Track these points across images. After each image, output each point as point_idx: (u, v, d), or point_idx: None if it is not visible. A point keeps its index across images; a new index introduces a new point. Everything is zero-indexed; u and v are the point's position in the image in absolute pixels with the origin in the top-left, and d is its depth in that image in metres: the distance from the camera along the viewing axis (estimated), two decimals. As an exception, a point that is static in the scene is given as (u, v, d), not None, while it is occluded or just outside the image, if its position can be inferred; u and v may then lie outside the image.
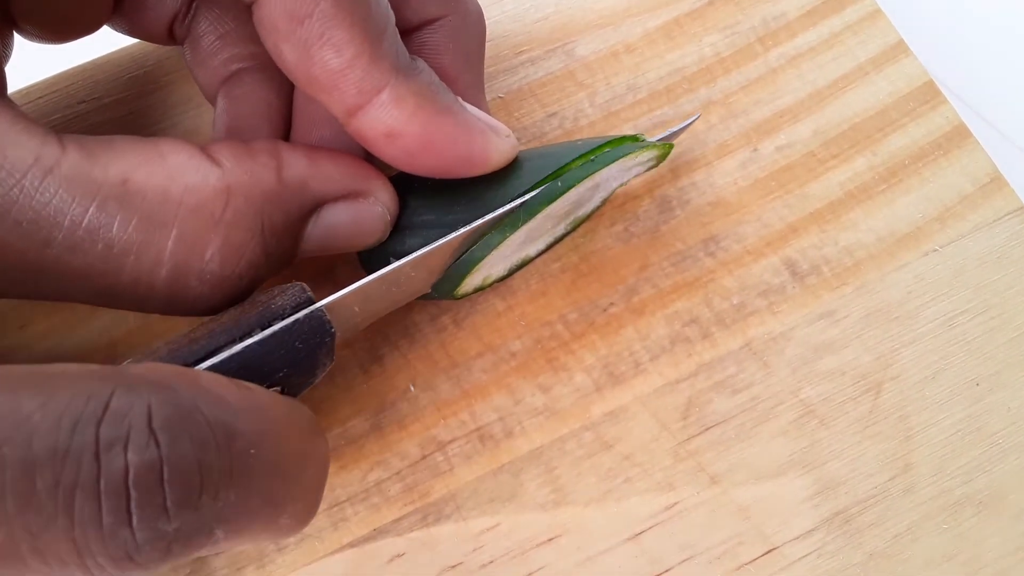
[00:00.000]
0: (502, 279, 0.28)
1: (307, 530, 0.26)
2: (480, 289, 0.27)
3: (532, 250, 0.28)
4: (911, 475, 0.27)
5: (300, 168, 0.23)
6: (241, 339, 0.22)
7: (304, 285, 0.23)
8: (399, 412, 0.28)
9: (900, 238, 0.30)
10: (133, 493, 0.16)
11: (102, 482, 0.16)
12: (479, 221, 0.25)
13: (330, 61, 0.21)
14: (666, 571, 0.26)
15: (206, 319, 0.23)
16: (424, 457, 0.27)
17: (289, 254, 0.23)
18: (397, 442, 0.27)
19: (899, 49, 0.32)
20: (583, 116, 0.31)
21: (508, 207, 0.25)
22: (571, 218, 0.28)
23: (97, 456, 0.16)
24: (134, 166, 0.21)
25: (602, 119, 0.31)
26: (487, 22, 0.28)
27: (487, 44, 0.30)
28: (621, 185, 0.29)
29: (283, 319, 0.22)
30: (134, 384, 0.17)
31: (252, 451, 0.18)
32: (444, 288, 0.26)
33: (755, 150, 0.31)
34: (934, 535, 0.27)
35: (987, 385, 0.28)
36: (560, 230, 0.28)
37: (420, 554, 0.26)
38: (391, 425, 0.28)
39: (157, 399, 0.17)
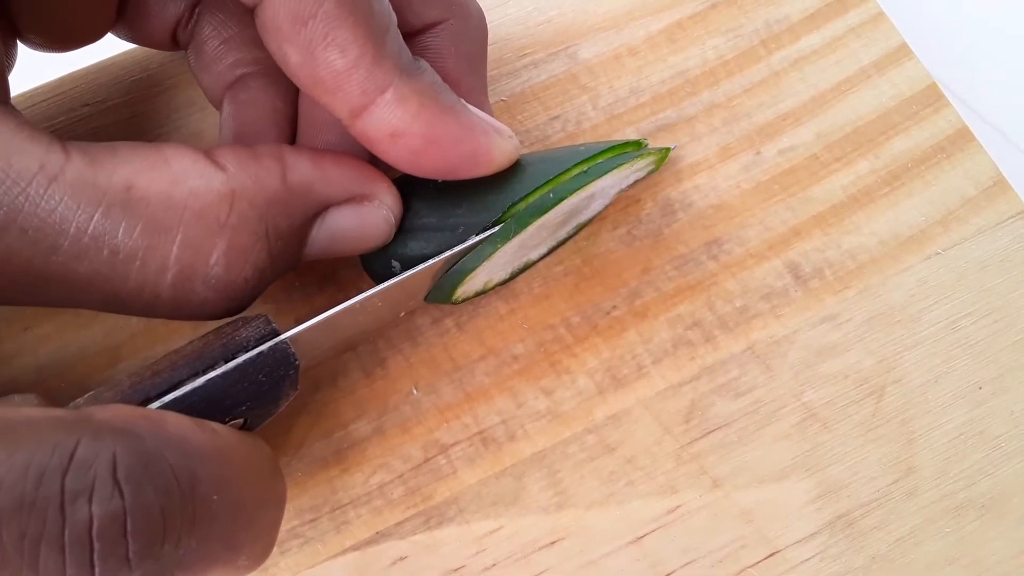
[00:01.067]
0: (504, 282, 0.28)
1: (310, 532, 0.26)
2: (481, 293, 0.27)
3: (534, 255, 0.28)
4: (914, 479, 0.27)
5: (305, 172, 0.23)
6: (204, 372, 0.22)
7: (269, 316, 0.23)
8: (402, 415, 0.28)
9: (903, 241, 0.30)
10: (96, 544, 0.16)
11: (67, 534, 0.16)
12: (458, 247, 0.25)
13: (335, 62, 0.21)
14: (668, 575, 0.26)
15: (170, 351, 0.23)
16: (427, 460, 0.27)
17: (294, 258, 0.24)
18: (400, 445, 0.27)
19: (902, 52, 0.32)
20: (586, 119, 0.31)
21: (492, 232, 0.25)
22: (571, 224, 0.28)
23: (62, 508, 0.16)
24: (138, 172, 0.21)
25: (605, 122, 0.31)
26: (490, 25, 0.28)
27: (490, 47, 0.30)
28: (621, 191, 0.29)
29: (247, 351, 0.22)
30: (99, 432, 0.17)
31: (214, 497, 0.18)
32: (437, 296, 0.26)
33: (758, 153, 0.31)
34: (937, 539, 0.27)
35: (990, 389, 0.28)
36: (562, 234, 0.28)
37: (422, 557, 0.26)
38: (394, 428, 0.28)
39: (122, 447, 0.17)
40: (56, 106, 0.30)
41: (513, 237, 0.25)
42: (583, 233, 0.30)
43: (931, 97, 0.31)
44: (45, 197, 0.20)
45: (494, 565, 0.26)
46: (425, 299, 0.26)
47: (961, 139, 0.31)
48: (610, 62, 0.32)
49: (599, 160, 0.26)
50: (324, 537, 0.26)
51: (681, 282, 0.29)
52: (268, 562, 0.26)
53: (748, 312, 0.29)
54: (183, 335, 0.28)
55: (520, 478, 0.27)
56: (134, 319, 0.28)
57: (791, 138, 0.31)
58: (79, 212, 0.20)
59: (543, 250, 0.28)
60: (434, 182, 0.25)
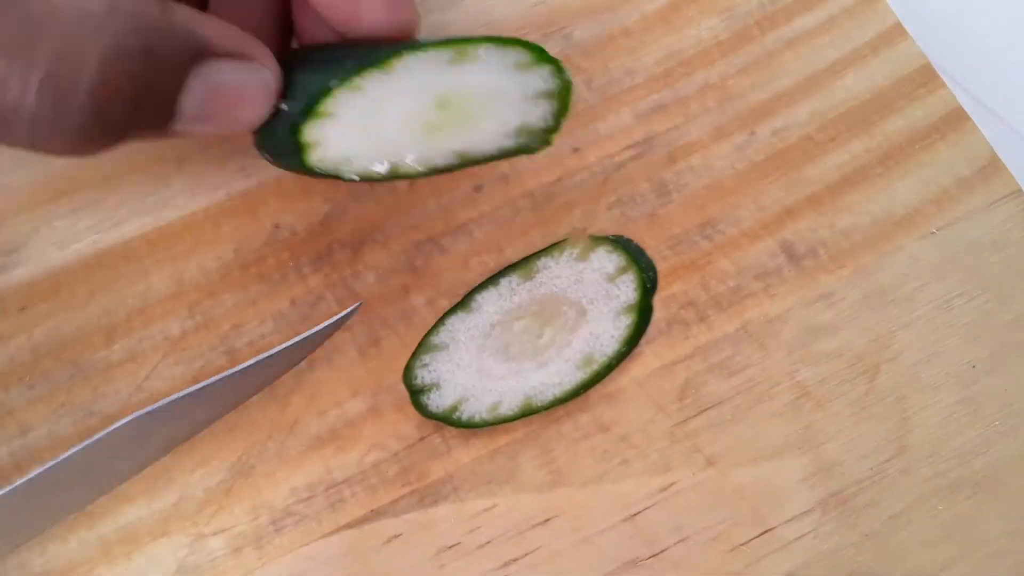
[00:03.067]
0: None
1: (305, 510, 0.26)
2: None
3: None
4: (907, 457, 0.28)
5: (186, 14, 0.22)
6: None
7: None
8: (397, 394, 0.28)
9: (897, 221, 0.30)
10: None
11: None
12: None
13: None
14: (661, 552, 0.26)
15: None
16: (421, 439, 0.27)
17: (170, 99, 0.22)
18: (394, 424, 0.27)
19: (896, 32, 0.32)
20: (580, 100, 0.31)
21: None
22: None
23: None
24: None
25: (599, 103, 0.31)
26: (485, 7, 0.28)
27: (484, 29, 0.30)
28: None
29: None
30: None
31: None
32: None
33: (752, 133, 0.31)
34: (930, 516, 0.27)
35: (983, 367, 0.28)
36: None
37: (417, 535, 0.26)
38: (388, 407, 0.28)
39: None
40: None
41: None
42: (578, 212, 0.30)
43: (925, 77, 0.31)
44: None
45: (488, 542, 0.26)
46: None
47: (955, 119, 0.31)
48: (604, 43, 0.32)
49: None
50: (319, 515, 0.27)
51: (675, 262, 0.29)
52: (263, 540, 0.26)
53: (742, 291, 0.29)
54: (178, 315, 0.28)
55: (514, 457, 0.27)
56: (130, 299, 0.28)
57: (785, 118, 0.31)
58: None
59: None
60: (329, 46, 0.25)
